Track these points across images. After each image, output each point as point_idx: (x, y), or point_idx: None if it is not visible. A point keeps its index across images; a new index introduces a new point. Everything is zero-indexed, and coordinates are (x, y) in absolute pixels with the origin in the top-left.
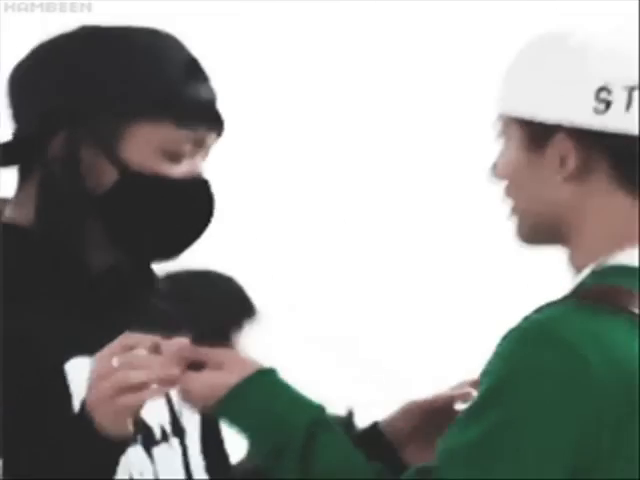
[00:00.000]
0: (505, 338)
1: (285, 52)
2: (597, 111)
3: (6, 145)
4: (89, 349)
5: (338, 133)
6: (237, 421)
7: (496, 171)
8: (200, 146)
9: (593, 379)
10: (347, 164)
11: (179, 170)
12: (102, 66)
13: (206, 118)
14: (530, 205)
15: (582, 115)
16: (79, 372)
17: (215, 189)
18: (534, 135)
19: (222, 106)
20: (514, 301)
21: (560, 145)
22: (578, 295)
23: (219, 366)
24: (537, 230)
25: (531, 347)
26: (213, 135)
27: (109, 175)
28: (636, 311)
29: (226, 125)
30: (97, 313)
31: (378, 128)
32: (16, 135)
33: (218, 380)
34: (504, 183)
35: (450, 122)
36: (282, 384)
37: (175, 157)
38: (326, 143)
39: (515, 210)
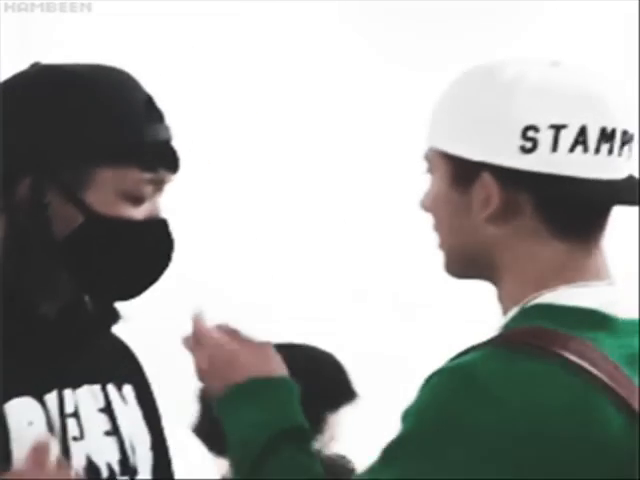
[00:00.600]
0: (427, 381)
1: (281, 51)
2: (524, 150)
3: None
4: (33, 391)
5: (332, 133)
6: (224, 424)
7: (423, 204)
8: (160, 186)
9: (507, 423)
10: (344, 166)
11: (140, 212)
12: (62, 112)
13: (166, 159)
14: (455, 241)
15: (507, 154)
16: (19, 413)
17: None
18: (459, 172)
19: (220, 106)
20: None
21: (485, 184)
22: (500, 337)
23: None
24: (463, 265)
25: (449, 395)
26: (171, 175)
27: (74, 219)
28: (562, 352)
29: (222, 127)
30: (49, 355)
31: (376, 128)
32: None
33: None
34: (431, 216)
35: None
36: (273, 394)
37: (137, 199)
38: (322, 143)
39: (441, 244)
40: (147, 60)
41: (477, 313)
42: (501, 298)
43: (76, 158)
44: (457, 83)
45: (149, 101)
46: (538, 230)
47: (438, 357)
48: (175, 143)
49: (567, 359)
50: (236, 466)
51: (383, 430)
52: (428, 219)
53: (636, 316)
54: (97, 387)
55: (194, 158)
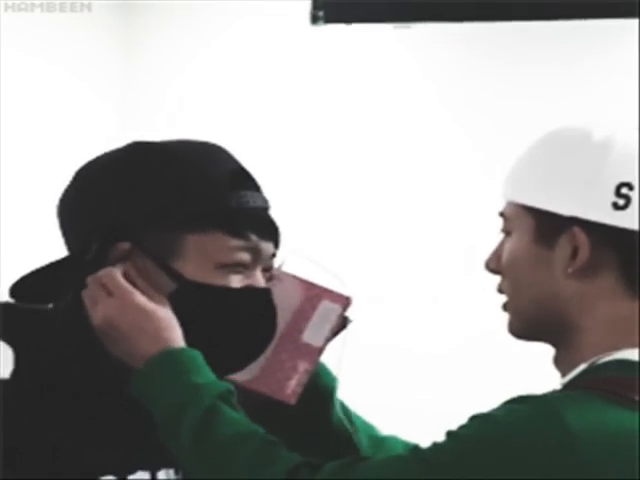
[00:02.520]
0: (513, 400)
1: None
2: (616, 207)
3: (62, 261)
4: (117, 471)
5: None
6: (150, 386)
7: (494, 263)
8: (257, 256)
9: (577, 466)
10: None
11: (237, 281)
12: (150, 181)
13: (257, 226)
14: (532, 297)
15: (600, 210)
16: None
17: None
18: (547, 227)
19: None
20: None
21: (574, 239)
22: (585, 385)
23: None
24: (532, 326)
25: (535, 426)
26: (268, 244)
27: (166, 286)
28: None
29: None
30: (134, 434)
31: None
32: (73, 252)
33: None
34: (502, 277)
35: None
36: (195, 359)
37: (233, 267)
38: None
39: (511, 303)
40: (146, 60)
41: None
42: (566, 355)
43: (162, 226)
44: (544, 142)
45: (239, 171)
46: (617, 289)
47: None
48: (274, 215)
49: None
50: (172, 431)
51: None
52: (495, 280)
53: None
54: (171, 471)
55: None
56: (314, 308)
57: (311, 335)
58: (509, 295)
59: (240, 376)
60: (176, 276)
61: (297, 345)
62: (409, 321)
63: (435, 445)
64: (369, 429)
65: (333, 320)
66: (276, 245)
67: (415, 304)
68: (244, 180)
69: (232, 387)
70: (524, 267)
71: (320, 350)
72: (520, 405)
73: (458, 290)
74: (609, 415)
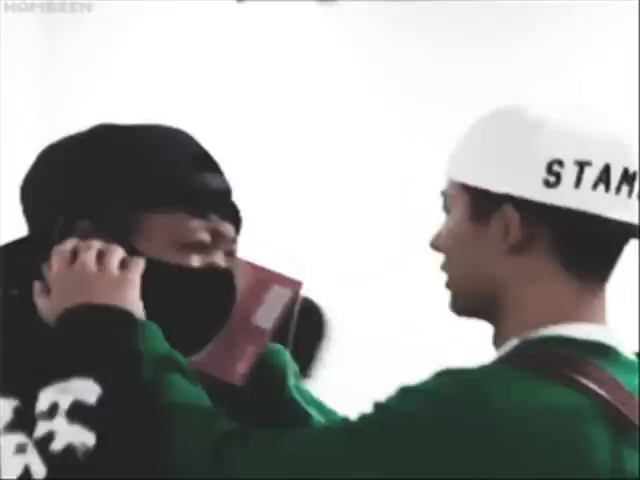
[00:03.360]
0: (438, 374)
1: (282, 54)
2: (547, 184)
3: (22, 241)
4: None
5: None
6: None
7: (436, 242)
8: (218, 237)
9: (497, 431)
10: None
11: (197, 260)
12: (114, 161)
13: (217, 207)
14: (468, 275)
15: (531, 187)
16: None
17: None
18: (480, 204)
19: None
20: None
21: (505, 216)
22: (513, 360)
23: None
24: (471, 302)
25: (463, 404)
26: (229, 226)
27: None
28: (578, 378)
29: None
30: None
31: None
32: (33, 232)
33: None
34: (443, 255)
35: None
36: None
37: (192, 248)
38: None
39: (451, 281)
40: (147, 60)
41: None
42: (500, 333)
43: (124, 205)
44: (481, 121)
45: (202, 154)
46: (552, 266)
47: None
48: (236, 198)
49: (580, 383)
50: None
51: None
52: (437, 258)
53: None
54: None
55: None
56: (265, 292)
57: (261, 318)
58: (449, 273)
59: (194, 357)
60: (136, 254)
61: (248, 328)
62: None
63: (364, 417)
64: (327, 412)
65: (283, 304)
66: (237, 229)
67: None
68: (207, 163)
69: (175, 354)
70: (461, 245)
71: (269, 333)
72: (448, 378)
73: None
74: (535, 391)
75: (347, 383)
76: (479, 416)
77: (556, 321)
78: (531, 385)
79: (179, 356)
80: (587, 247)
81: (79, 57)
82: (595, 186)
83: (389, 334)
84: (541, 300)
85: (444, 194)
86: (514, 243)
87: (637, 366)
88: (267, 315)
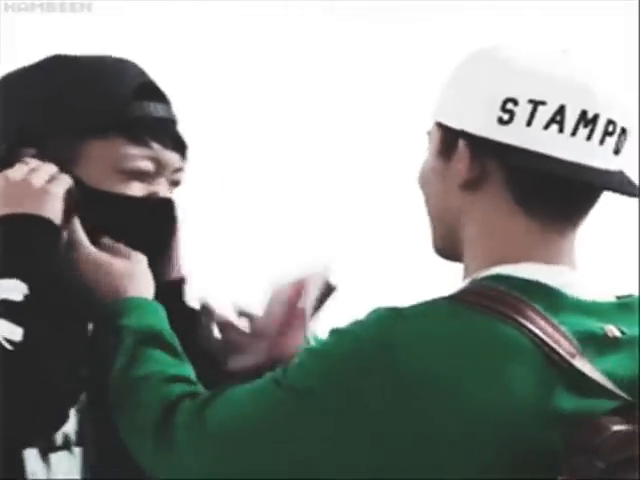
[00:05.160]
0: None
1: (282, 51)
2: (501, 121)
3: None
4: None
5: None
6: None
7: (418, 179)
8: (161, 166)
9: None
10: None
11: (139, 189)
12: (55, 88)
13: (160, 135)
14: (436, 211)
15: (484, 125)
16: None
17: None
18: (444, 141)
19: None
20: None
21: (460, 152)
22: (449, 295)
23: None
24: (442, 241)
25: (373, 333)
26: (173, 155)
27: (74, 193)
28: (506, 311)
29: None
30: None
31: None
32: None
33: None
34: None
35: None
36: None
37: (133, 175)
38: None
39: (429, 220)
40: (146, 60)
41: None
42: (464, 271)
43: (63, 132)
44: (459, 61)
45: (146, 83)
46: (507, 204)
47: None
48: (182, 126)
49: (500, 312)
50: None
51: None
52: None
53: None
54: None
55: (195, 157)
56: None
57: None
58: (427, 210)
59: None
60: (76, 182)
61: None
62: None
63: (297, 365)
64: None
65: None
66: (183, 158)
67: None
68: (151, 91)
69: (158, 330)
70: (429, 180)
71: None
72: (373, 316)
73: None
74: (453, 321)
75: None
76: (376, 342)
77: (505, 261)
78: (451, 316)
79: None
80: (539, 187)
81: None
82: (547, 126)
83: None
84: (493, 239)
85: (428, 132)
86: (466, 179)
87: (594, 307)
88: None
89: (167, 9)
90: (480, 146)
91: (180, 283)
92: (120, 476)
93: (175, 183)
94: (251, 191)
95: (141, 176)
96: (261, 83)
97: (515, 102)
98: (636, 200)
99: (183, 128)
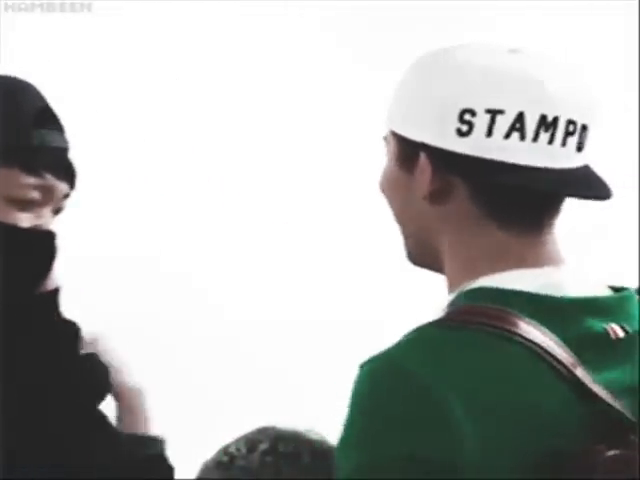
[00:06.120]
0: (359, 371)
1: (278, 54)
2: (460, 133)
3: None
4: None
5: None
6: None
7: (379, 187)
8: (50, 195)
9: (443, 412)
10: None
11: (25, 219)
12: None
13: (54, 166)
14: (402, 224)
15: (443, 137)
16: None
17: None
18: (403, 152)
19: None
20: None
21: (422, 165)
22: (441, 318)
23: None
24: (418, 251)
25: (377, 390)
26: (63, 184)
27: None
28: (510, 327)
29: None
30: None
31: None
32: None
33: None
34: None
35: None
36: None
37: (22, 205)
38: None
39: (399, 229)
40: (146, 60)
41: None
42: (447, 287)
43: None
44: (412, 64)
45: (45, 109)
46: (476, 215)
47: None
48: (75, 155)
49: (504, 330)
50: None
51: None
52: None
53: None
54: None
55: (191, 156)
56: None
57: None
58: (395, 219)
59: None
60: None
61: None
62: None
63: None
64: None
65: None
66: (72, 186)
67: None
68: (47, 119)
69: None
70: (391, 191)
71: None
72: (367, 370)
73: None
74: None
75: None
76: (406, 389)
77: (486, 271)
78: (461, 343)
79: None
80: (505, 196)
81: (79, 57)
82: (508, 135)
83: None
84: (469, 250)
85: (385, 139)
86: (430, 192)
87: (589, 304)
88: None
89: (167, 9)
90: (441, 158)
91: (55, 293)
92: None
93: (58, 210)
94: (251, 191)
95: (29, 205)
96: (261, 83)
97: (472, 113)
98: (635, 195)
99: (183, 128)
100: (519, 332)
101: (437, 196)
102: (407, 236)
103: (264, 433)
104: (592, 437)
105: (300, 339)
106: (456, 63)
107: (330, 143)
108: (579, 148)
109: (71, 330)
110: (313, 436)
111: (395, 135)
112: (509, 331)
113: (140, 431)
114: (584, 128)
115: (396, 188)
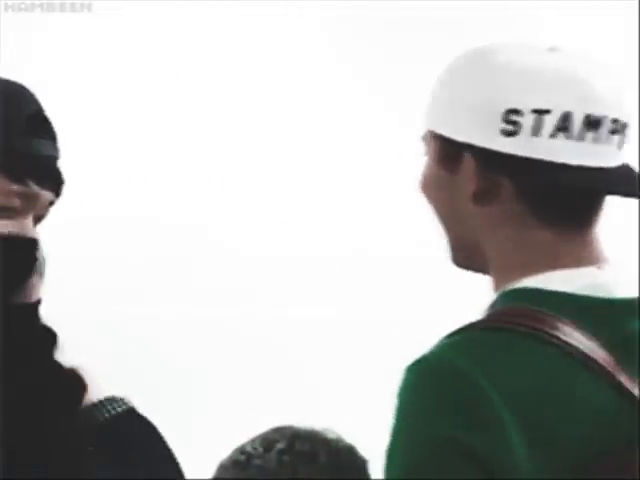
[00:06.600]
0: (406, 373)
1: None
2: (505, 133)
3: None
4: None
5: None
6: None
7: (420, 188)
8: (32, 203)
9: (490, 409)
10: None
11: (4, 226)
12: None
13: (39, 174)
14: (447, 226)
15: (488, 137)
16: None
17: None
18: (446, 152)
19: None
20: None
21: (467, 165)
22: (482, 320)
23: None
24: (462, 252)
25: (430, 389)
26: (47, 193)
27: None
28: (537, 326)
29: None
30: None
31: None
32: None
33: None
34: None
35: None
36: None
37: (4, 212)
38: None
39: (442, 230)
40: (146, 60)
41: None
42: (492, 286)
43: None
44: (451, 65)
45: (36, 116)
46: (523, 215)
47: None
48: (73, 155)
49: (543, 332)
50: None
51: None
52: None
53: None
54: None
55: (191, 156)
56: None
57: None
58: (438, 221)
59: None
60: None
61: None
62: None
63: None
64: None
65: None
66: (57, 195)
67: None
68: (37, 126)
69: None
70: (433, 192)
71: None
72: (416, 370)
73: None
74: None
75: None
76: (459, 389)
77: (533, 272)
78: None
79: None
80: (553, 196)
81: (79, 57)
82: (554, 135)
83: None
84: (515, 251)
85: (424, 139)
86: (475, 192)
87: (632, 306)
88: None
89: (167, 9)
90: (486, 158)
91: (36, 303)
92: None
93: (41, 218)
94: (251, 191)
95: (9, 212)
96: (261, 83)
97: (518, 113)
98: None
99: (183, 128)
100: (558, 334)
101: (482, 196)
102: (451, 237)
103: (281, 432)
104: (633, 438)
105: (317, 339)
106: (499, 63)
107: (330, 143)
108: (620, 146)
109: (48, 338)
110: (330, 435)
111: (436, 136)
112: (548, 333)
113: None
114: (625, 126)
115: (439, 189)
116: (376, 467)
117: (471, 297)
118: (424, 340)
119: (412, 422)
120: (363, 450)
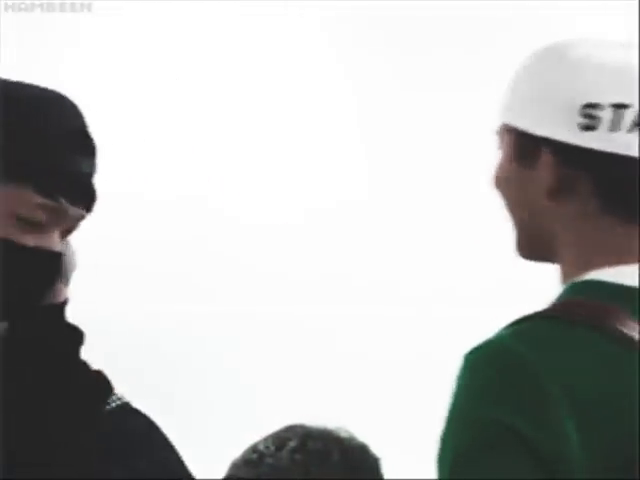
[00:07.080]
0: (464, 358)
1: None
2: (583, 127)
3: None
4: None
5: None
6: None
7: (493, 182)
8: (60, 218)
9: (544, 392)
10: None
11: (32, 239)
12: None
13: (70, 190)
14: (520, 217)
15: (566, 131)
16: None
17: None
18: (522, 146)
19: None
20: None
21: (544, 160)
22: (546, 310)
23: None
24: (531, 244)
25: (491, 373)
26: (76, 210)
27: None
28: (617, 325)
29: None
30: None
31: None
32: None
33: None
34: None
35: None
36: None
37: (30, 224)
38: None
39: (512, 222)
40: (146, 60)
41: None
42: (560, 275)
43: None
44: (528, 60)
45: (77, 132)
46: (597, 209)
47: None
48: (96, 181)
49: (604, 324)
50: None
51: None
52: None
53: None
54: None
55: (191, 157)
56: None
57: None
58: (508, 213)
59: None
60: None
61: None
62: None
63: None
64: None
65: None
66: (88, 210)
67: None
68: (75, 140)
69: None
70: (507, 186)
71: None
72: (475, 358)
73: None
74: (564, 338)
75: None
76: (518, 373)
77: (598, 265)
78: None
79: None
80: (629, 191)
81: (79, 57)
82: (631, 130)
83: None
84: (584, 244)
85: (498, 133)
86: (553, 188)
87: None
88: None
89: (167, 9)
90: (565, 153)
91: (62, 304)
92: None
93: (69, 232)
94: (250, 190)
95: (36, 225)
96: (261, 83)
97: (597, 107)
98: None
99: (183, 129)
100: (620, 328)
101: (558, 190)
102: (521, 229)
103: (293, 431)
104: None
105: (330, 336)
106: (577, 58)
107: (330, 143)
108: None
109: (75, 336)
110: (342, 434)
111: (512, 130)
112: (610, 327)
113: None
114: None
115: (513, 183)
116: (388, 466)
117: (471, 297)
118: (437, 338)
119: (462, 405)
120: (375, 449)
